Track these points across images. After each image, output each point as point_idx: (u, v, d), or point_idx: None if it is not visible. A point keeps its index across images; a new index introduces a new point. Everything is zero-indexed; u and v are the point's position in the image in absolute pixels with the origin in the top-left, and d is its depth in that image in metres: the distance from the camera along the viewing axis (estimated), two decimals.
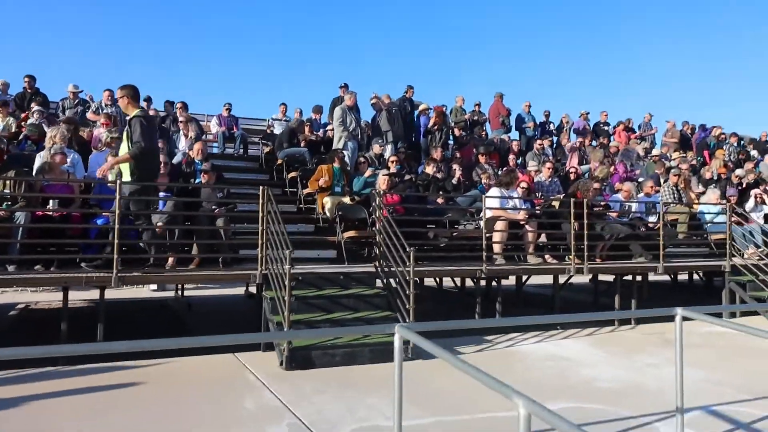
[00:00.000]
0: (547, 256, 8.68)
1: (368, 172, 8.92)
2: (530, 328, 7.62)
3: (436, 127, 11.24)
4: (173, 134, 9.78)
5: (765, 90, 61.93)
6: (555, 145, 14.96)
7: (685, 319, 3.76)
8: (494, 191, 8.61)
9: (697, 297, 10.57)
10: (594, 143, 15.36)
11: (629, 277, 9.32)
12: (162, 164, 7.00)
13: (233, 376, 5.23)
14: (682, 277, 13.52)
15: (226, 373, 5.30)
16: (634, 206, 9.83)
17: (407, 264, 5.95)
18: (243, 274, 6.29)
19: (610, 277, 9.37)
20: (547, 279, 9.59)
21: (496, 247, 8.24)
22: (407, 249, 5.97)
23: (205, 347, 5.39)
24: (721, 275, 9.40)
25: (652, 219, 9.96)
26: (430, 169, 9.29)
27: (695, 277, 13.16)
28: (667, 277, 13.29)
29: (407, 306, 5.95)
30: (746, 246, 9.97)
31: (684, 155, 15.09)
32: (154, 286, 12.32)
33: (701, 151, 16.42)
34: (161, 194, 6.64)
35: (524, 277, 11.19)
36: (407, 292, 5.95)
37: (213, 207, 6.91)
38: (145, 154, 5.83)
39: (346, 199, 8.58)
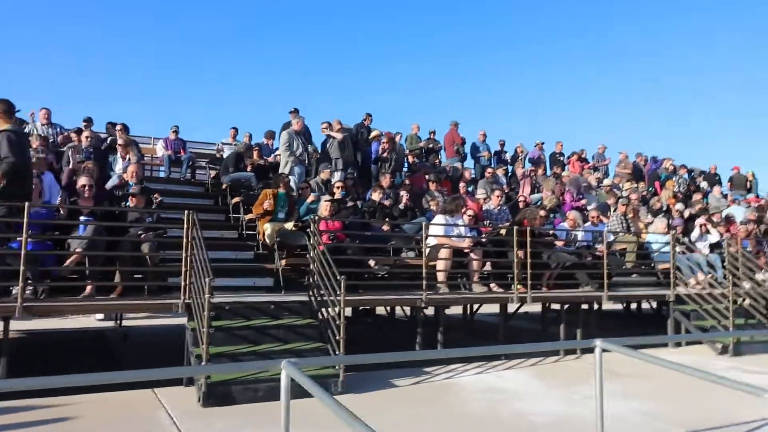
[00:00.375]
0: (492, 285, 8.54)
1: (311, 198, 8.71)
2: (473, 358, 7.42)
3: (386, 154, 11.13)
4: (110, 156, 9.42)
5: (715, 124, 64.20)
6: (510, 174, 15.03)
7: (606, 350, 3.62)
8: (439, 218, 8.48)
9: (646, 326, 10.53)
10: (549, 173, 15.46)
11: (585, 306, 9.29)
12: (86, 187, 6.67)
13: (145, 414, 4.86)
14: (645, 306, 13.60)
15: (139, 411, 4.93)
16: (580, 235, 9.81)
17: (338, 293, 5.71)
18: (165, 303, 5.93)
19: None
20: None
21: (440, 276, 8.08)
22: (338, 277, 5.74)
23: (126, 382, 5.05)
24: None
25: (600, 248, 9.95)
26: (376, 196, 9.13)
27: (647, 306, 13.22)
28: (620, 306, 13.34)
29: (338, 337, 5.69)
30: (690, 275, 10.06)
31: (635, 186, 15.33)
32: (100, 315, 11.74)
33: (652, 182, 16.70)
34: (82, 218, 6.29)
35: (475, 306, 11.07)
36: (338, 322, 5.70)
37: (139, 232, 6.58)
38: (16, 171, 5.44)
39: (289, 225, 8.32)
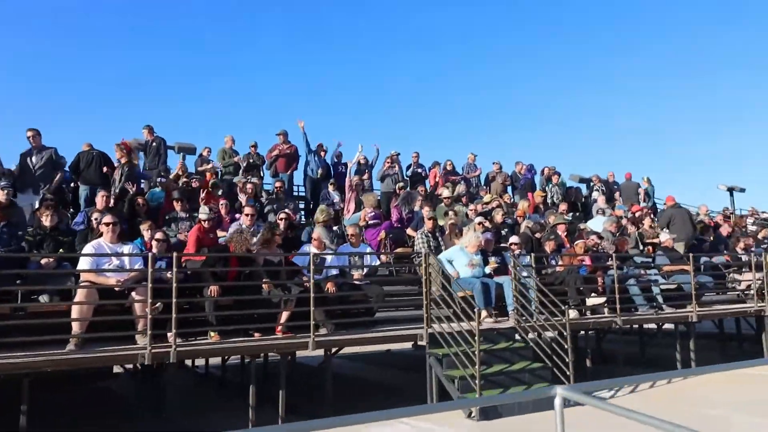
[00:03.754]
0: (170, 335, 6.40)
1: None
2: None
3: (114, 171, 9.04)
4: None
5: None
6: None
7: None
8: (87, 248, 6.36)
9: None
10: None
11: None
12: None
13: None
14: None
15: None
16: (329, 259, 7.71)
17: None
18: None
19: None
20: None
21: (74, 327, 5.95)
22: None
23: None
24: None
25: (357, 274, 7.84)
26: (46, 220, 6.99)
27: None
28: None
29: None
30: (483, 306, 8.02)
31: (496, 197, 13.33)
32: None
33: (525, 193, 14.68)
34: None
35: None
36: None
37: None
38: None
39: None
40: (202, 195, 9.15)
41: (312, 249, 7.67)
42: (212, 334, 6.60)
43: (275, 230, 7.53)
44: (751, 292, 10.72)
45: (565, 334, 6.86)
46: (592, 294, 9.20)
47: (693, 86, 59.68)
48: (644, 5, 58.52)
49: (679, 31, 57.73)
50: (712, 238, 13.25)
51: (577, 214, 14.80)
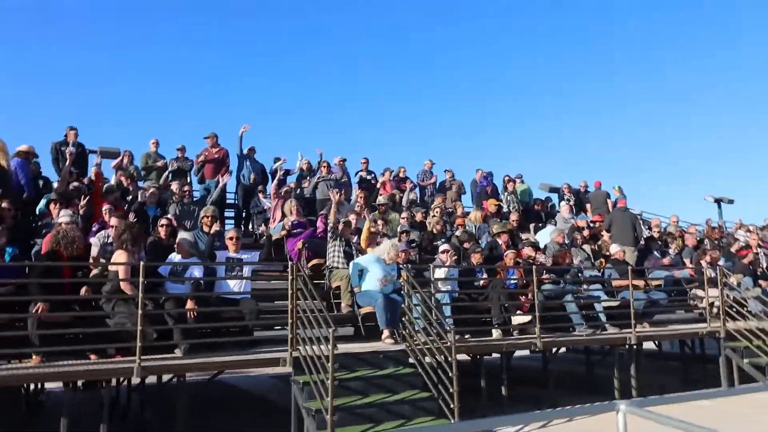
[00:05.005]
0: None
1: None
2: None
3: None
4: None
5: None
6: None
7: None
8: None
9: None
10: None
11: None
12: None
13: None
14: None
15: None
16: (196, 271, 6.75)
17: None
18: None
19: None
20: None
21: None
22: None
23: None
24: None
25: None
26: None
27: None
28: None
29: None
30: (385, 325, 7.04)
31: (442, 205, 12.35)
32: None
33: (480, 202, 13.68)
34: None
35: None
36: None
37: None
38: None
39: None
40: (82, 202, 8.26)
41: (176, 257, 6.73)
42: (34, 356, 5.67)
43: (133, 232, 6.56)
44: (714, 309, 9.64)
45: (450, 359, 5.81)
46: (518, 312, 8.17)
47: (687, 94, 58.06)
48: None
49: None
50: (678, 251, 12.20)
51: (540, 224, 13.79)
